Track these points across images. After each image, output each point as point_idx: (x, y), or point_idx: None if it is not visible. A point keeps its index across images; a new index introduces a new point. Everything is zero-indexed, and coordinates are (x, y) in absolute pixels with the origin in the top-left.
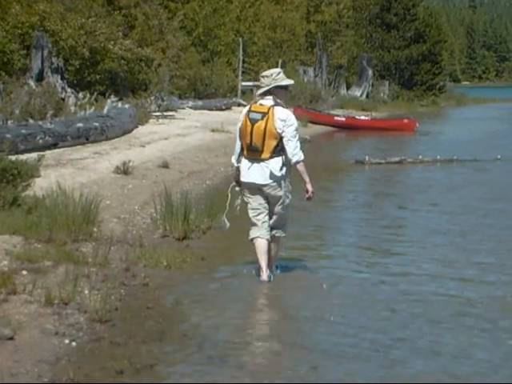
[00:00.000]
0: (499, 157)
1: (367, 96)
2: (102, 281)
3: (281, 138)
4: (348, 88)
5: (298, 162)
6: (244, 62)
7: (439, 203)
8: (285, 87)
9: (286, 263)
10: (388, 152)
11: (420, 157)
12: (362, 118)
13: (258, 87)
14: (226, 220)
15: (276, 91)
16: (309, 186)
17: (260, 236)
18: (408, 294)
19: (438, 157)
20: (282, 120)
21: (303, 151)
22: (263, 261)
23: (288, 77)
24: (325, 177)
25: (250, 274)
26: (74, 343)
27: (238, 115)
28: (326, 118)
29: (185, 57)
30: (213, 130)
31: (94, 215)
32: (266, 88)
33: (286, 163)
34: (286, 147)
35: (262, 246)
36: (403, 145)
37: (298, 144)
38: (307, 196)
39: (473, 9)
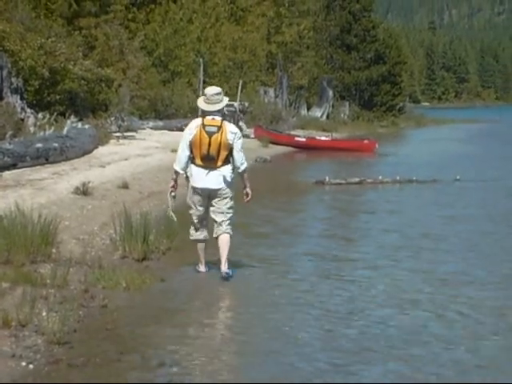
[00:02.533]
0: (458, 177)
1: (327, 117)
2: (60, 302)
3: (230, 149)
4: (308, 109)
5: (244, 171)
6: (205, 82)
7: (391, 227)
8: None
9: (241, 281)
10: (348, 172)
11: (380, 177)
12: (323, 138)
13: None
14: (172, 215)
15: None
16: (249, 191)
17: (202, 239)
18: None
19: (398, 177)
20: (232, 133)
21: (264, 171)
22: (202, 257)
23: (248, 97)
24: (284, 197)
25: (210, 295)
26: (31, 366)
27: None
28: (287, 139)
29: (145, 77)
30: (173, 151)
31: (53, 236)
32: (222, 106)
33: (233, 170)
34: (236, 157)
35: (202, 246)
36: (363, 165)
37: (244, 155)
38: (247, 199)
39: (432, 30)
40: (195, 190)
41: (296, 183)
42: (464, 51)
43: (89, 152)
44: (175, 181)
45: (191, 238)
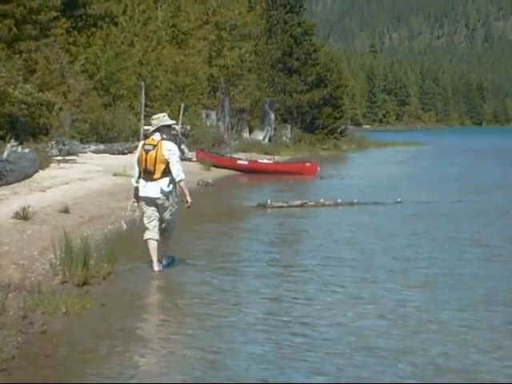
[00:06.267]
0: (399, 200)
1: (270, 140)
2: None
3: (168, 163)
4: (251, 132)
5: (180, 181)
6: (146, 105)
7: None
8: (168, 126)
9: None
10: (290, 195)
11: (321, 200)
12: (265, 161)
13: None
14: (124, 224)
15: (162, 129)
16: (188, 198)
17: (151, 237)
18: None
19: (340, 200)
20: (168, 150)
21: (206, 194)
22: (154, 256)
23: (190, 120)
24: (225, 221)
25: (150, 320)
26: None
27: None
28: (229, 162)
29: (87, 101)
30: (115, 174)
31: None
32: (155, 127)
33: (172, 182)
34: (172, 170)
35: (153, 244)
36: (305, 188)
37: (180, 167)
38: (187, 205)
39: (373, 54)
40: (142, 199)
41: (238, 206)
42: (404, 74)
43: (29, 176)
44: (135, 192)
45: (144, 238)
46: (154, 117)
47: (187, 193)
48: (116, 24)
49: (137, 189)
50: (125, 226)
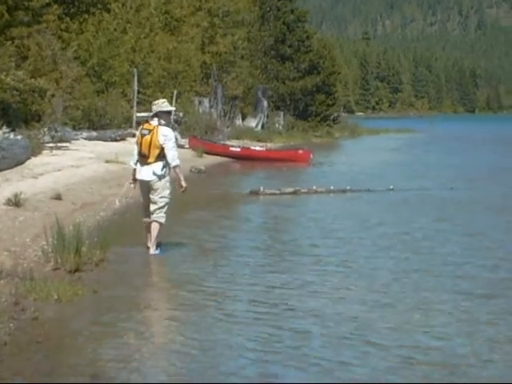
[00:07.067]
0: (392, 187)
1: (262, 127)
2: None
3: (162, 148)
4: (243, 119)
5: (175, 167)
6: (139, 92)
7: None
8: (167, 112)
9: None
10: (283, 182)
11: (314, 187)
12: (257, 148)
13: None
14: (117, 201)
15: (161, 115)
16: (183, 183)
17: (146, 220)
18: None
19: (332, 187)
20: (163, 135)
21: (199, 181)
22: (148, 235)
23: (183, 107)
24: (217, 208)
25: (141, 306)
26: None
27: (132, 146)
28: (222, 149)
29: (79, 87)
30: (107, 161)
31: None
32: (153, 112)
33: (166, 166)
34: (167, 155)
35: (146, 226)
36: (298, 175)
37: (176, 153)
38: (182, 190)
39: (366, 41)
40: (138, 181)
41: (230, 194)
42: (397, 61)
43: (21, 163)
44: (133, 174)
45: (143, 220)
46: (154, 102)
47: (182, 178)
48: (108, 10)
49: (135, 170)
50: (118, 204)
